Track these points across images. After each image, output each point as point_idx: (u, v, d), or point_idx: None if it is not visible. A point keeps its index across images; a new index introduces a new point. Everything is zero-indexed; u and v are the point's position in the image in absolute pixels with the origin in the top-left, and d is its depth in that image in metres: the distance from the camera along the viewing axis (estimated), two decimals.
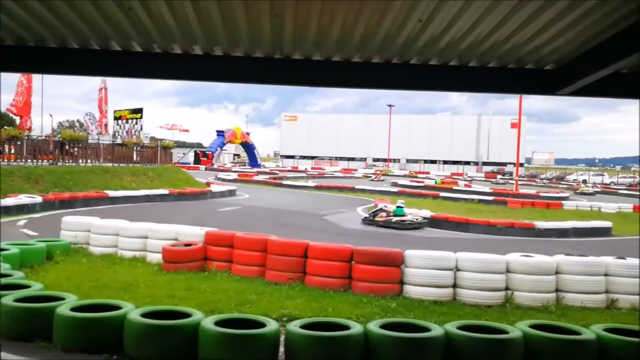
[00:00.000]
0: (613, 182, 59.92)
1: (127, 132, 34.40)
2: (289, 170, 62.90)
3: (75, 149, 26.34)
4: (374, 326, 5.27)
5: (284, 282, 8.52)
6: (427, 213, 19.34)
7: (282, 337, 5.31)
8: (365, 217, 18.85)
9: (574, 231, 18.04)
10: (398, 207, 18.34)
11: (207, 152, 63.06)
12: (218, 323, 5.13)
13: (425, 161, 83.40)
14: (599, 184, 56.59)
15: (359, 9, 4.01)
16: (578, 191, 43.67)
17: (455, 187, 39.90)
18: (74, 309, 5.51)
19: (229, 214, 20.44)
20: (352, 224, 18.69)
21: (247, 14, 4.18)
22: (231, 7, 4.06)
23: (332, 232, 16.43)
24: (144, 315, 5.33)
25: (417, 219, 17.85)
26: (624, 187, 52.03)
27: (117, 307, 5.61)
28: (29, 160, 23.11)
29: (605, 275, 8.20)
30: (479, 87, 5.56)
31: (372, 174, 51.09)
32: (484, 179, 63.62)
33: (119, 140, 31.48)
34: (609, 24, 4.11)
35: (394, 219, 17.70)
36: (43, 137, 27.08)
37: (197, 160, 60.41)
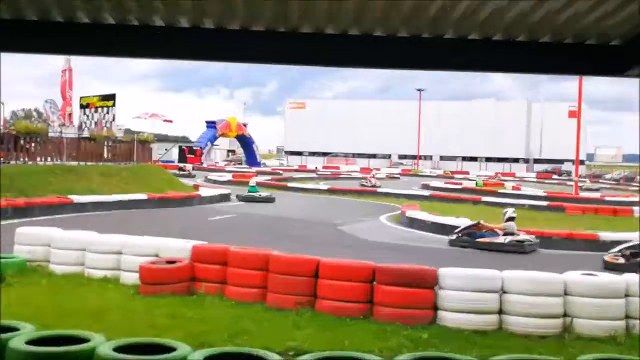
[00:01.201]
0: None
1: (96, 123, 34.55)
2: (295, 170, 63.11)
3: (33, 145, 26.48)
4: None
5: (289, 308, 8.52)
6: (466, 222, 19.25)
7: None
8: (237, 195, 29.98)
9: None
10: (251, 186, 30.80)
11: (194, 148, 63.38)
12: (208, 359, 5.14)
13: (464, 158, 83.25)
14: None
15: None
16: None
17: (500, 190, 39.75)
18: (30, 342, 5.53)
19: (222, 224, 20.53)
20: (375, 236, 18.70)
21: None
22: None
23: (349, 246, 16.46)
24: (118, 349, 5.35)
25: (264, 195, 29.98)
26: None
27: (85, 340, 5.63)
28: None
29: None
30: (528, 67, 5.53)
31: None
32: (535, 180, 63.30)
33: (86, 134, 31.66)
34: None
35: (245, 194, 29.64)
36: None
37: (182, 158, 60.48)
